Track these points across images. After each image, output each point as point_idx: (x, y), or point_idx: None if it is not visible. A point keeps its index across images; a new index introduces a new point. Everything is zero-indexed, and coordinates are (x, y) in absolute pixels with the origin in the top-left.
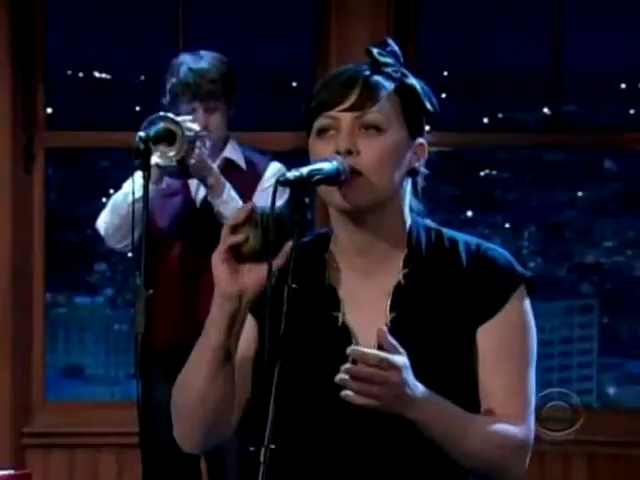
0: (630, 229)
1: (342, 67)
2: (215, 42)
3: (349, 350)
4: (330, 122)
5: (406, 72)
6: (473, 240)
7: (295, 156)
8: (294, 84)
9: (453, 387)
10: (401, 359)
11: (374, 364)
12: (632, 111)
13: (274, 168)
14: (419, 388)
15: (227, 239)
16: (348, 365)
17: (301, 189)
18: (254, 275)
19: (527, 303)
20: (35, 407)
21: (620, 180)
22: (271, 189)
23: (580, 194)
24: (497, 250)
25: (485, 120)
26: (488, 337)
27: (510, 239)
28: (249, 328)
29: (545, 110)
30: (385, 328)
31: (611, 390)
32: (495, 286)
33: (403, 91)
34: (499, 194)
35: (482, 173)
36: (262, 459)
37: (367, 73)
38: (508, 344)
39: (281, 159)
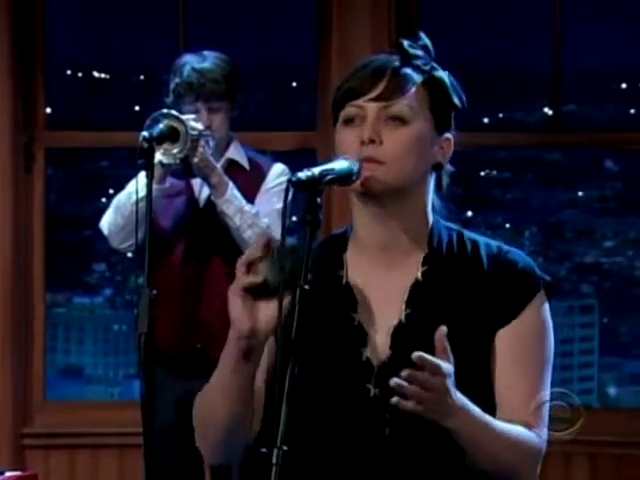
0: (630, 229)
1: (372, 57)
2: (215, 41)
3: (414, 355)
4: (357, 111)
5: (436, 66)
6: (494, 243)
7: (296, 156)
8: (294, 84)
9: (466, 386)
10: (448, 367)
11: (430, 370)
12: (632, 111)
13: (278, 169)
14: (459, 397)
15: (242, 279)
16: (406, 371)
17: (313, 189)
18: (271, 312)
19: (546, 308)
20: (35, 407)
21: (620, 180)
22: (275, 190)
23: (580, 194)
24: (518, 253)
25: (485, 120)
26: (506, 341)
27: (510, 239)
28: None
29: (546, 110)
30: (445, 329)
31: (612, 390)
32: (515, 290)
33: (431, 84)
34: (499, 194)
35: (482, 173)
36: (275, 460)
37: (396, 64)
38: (526, 349)
39: (281, 159)
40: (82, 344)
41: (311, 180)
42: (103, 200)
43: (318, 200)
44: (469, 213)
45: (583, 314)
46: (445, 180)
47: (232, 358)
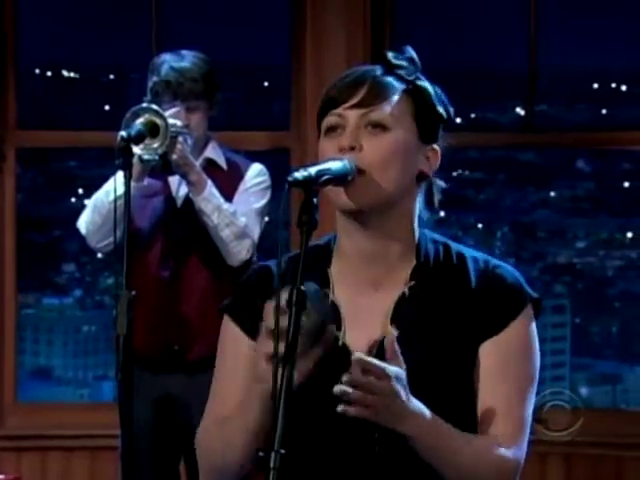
0: (602, 229)
1: (355, 67)
2: (187, 40)
3: (354, 358)
4: (337, 120)
5: (421, 76)
6: (481, 256)
7: (269, 156)
8: (266, 84)
9: (450, 402)
10: (396, 370)
11: (370, 372)
12: (604, 111)
13: (255, 169)
14: (412, 402)
15: (266, 345)
16: (347, 375)
17: (308, 189)
18: (298, 372)
19: (532, 325)
20: (6, 409)
21: (592, 180)
22: (253, 189)
23: (552, 194)
24: (506, 268)
25: (458, 120)
26: (489, 355)
27: (483, 239)
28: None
29: (518, 110)
30: (395, 333)
31: (583, 390)
32: (501, 305)
33: (415, 93)
34: (472, 194)
35: (455, 173)
36: (272, 464)
37: (378, 73)
38: (508, 364)
39: (254, 158)
40: (51, 345)
41: (307, 180)
42: (72, 200)
43: (314, 200)
44: (442, 213)
45: (555, 314)
46: (437, 196)
47: (258, 407)
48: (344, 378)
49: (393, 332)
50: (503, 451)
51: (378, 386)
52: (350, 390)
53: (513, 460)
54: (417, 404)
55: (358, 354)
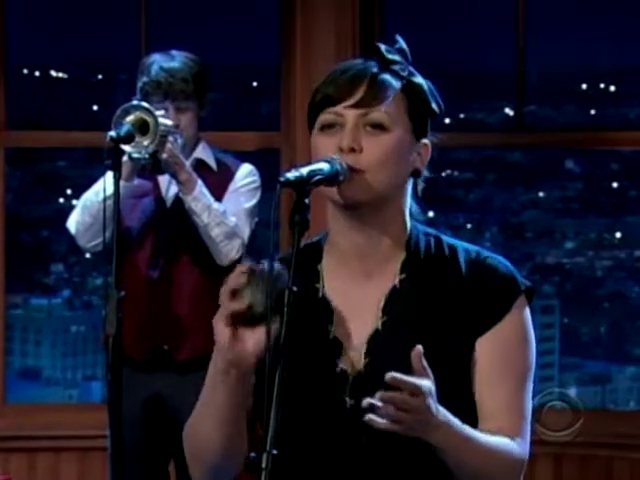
0: (591, 229)
1: (349, 61)
2: (175, 40)
3: (387, 377)
4: (335, 118)
5: (413, 71)
6: (473, 248)
7: (257, 156)
8: (255, 84)
9: (446, 395)
10: (427, 384)
11: (408, 390)
12: (593, 111)
13: (245, 169)
14: (440, 412)
15: (228, 305)
16: (380, 393)
17: (300, 190)
18: (258, 336)
19: (527, 313)
20: None
21: (581, 180)
22: (242, 189)
23: (541, 194)
24: (497, 259)
25: (447, 120)
26: (487, 349)
27: (471, 240)
28: None
29: (507, 110)
30: (420, 348)
31: (572, 390)
32: (495, 296)
33: (410, 90)
34: (461, 194)
35: (444, 173)
36: (264, 465)
37: (375, 70)
38: (507, 356)
39: (244, 159)
40: (40, 346)
41: (299, 180)
42: (61, 200)
43: (306, 201)
44: (430, 213)
45: (544, 314)
46: (421, 185)
47: (224, 384)
48: (378, 395)
49: (419, 347)
50: (512, 447)
51: (412, 403)
52: (380, 404)
53: (520, 455)
54: (445, 414)
55: (391, 373)
